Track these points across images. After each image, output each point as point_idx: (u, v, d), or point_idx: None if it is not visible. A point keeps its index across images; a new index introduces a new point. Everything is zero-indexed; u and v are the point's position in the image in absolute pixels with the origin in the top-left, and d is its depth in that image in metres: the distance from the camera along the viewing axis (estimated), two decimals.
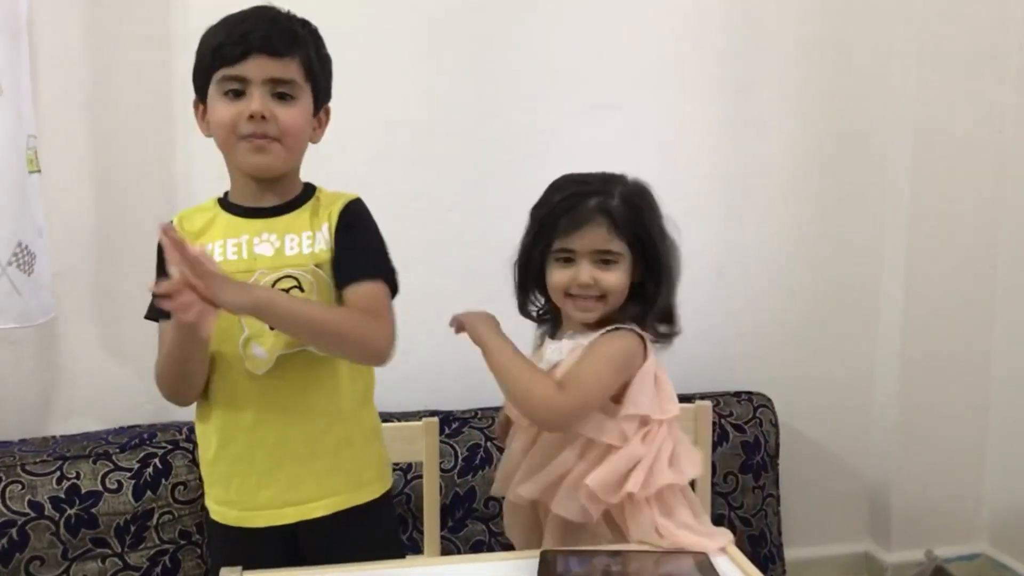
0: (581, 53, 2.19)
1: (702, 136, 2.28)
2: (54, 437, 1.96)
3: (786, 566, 2.23)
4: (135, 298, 2.05)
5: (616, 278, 1.29)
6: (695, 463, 1.30)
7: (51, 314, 1.87)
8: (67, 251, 1.98)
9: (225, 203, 1.30)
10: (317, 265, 1.24)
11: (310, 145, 1.31)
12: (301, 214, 1.27)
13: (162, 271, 1.18)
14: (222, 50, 1.22)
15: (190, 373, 1.23)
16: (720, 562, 1.20)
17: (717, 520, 2.08)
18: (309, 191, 1.31)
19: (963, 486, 2.44)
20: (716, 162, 2.29)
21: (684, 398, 1.75)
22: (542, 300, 1.38)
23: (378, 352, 1.22)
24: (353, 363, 1.28)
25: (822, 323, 2.39)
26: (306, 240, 1.25)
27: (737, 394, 2.22)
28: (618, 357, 1.27)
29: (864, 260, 2.39)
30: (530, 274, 1.34)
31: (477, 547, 1.93)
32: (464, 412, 2.04)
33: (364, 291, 1.23)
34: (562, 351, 1.31)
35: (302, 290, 1.23)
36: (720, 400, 2.16)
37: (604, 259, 1.28)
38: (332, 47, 1.33)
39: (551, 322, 1.39)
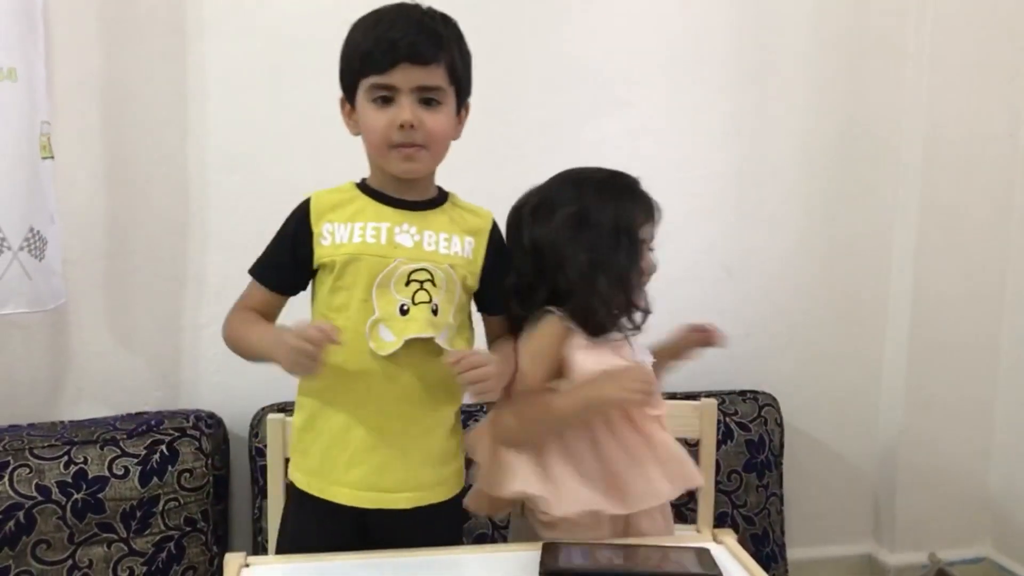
0: (593, 49, 2.19)
1: (712, 133, 2.28)
2: (62, 422, 1.97)
3: (788, 566, 2.23)
4: (146, 286, 2.09)
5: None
6: None
7: (61, 299, 1.88)
8: (79, 238, 1.99)
9: (365, 188, 1.32)
10: (451, 265, 1.29)
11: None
12: (439, 215, 1.32)
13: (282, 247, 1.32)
14: (371, 57, 1.24)
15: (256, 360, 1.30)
16: (719, 554, 1.21)
17: (720, 518, 2.09)
18: (443, 194, 1.36)
19: (968, 489, 2.44)
20: (726, 159, 2.29)
21: (689, 396, 1.78)
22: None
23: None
24: None
25: (830, 322, 2.39)
26: (443, 240, 1.29)
27: (742, 393, 2.22)
28: None
29: (872, 259, 2.38)
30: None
31: (480, 539, 1.93)
32: (470, 405, 2.04)
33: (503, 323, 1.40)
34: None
35: (434, 284, 1.26)
36: (725, 398, 2.16)
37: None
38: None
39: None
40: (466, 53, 1.34)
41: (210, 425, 1.95)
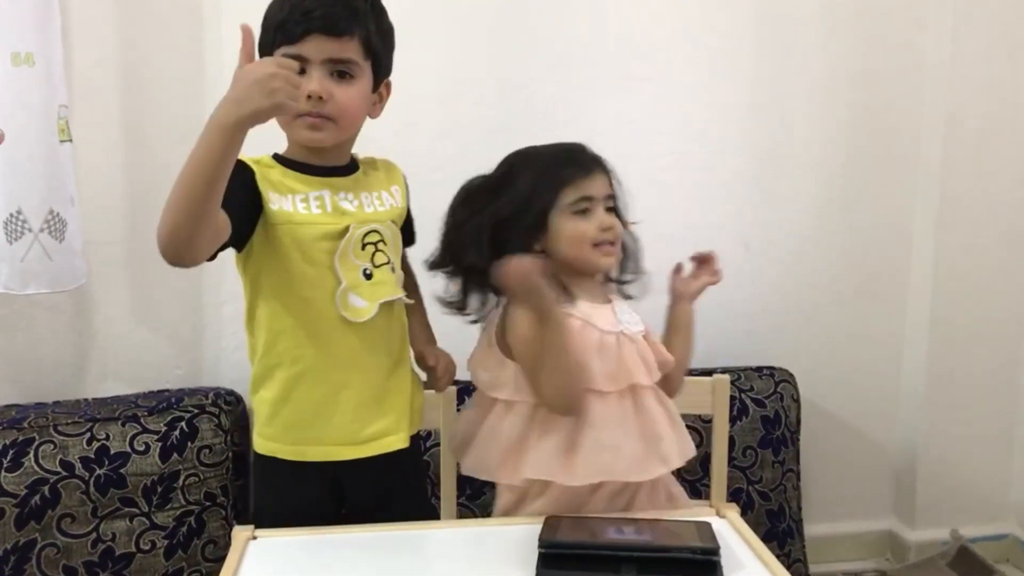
0: (609, 25, 2.17)
1: (730, 109, 2.25)
2: (86, 400, 2.02)
3: (806, 542, 2.23)
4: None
5: (620, 226, 1.35)
6: None
7: (82, 280, 1.92)
8: (99, 219, 2.03)
9: (283, 160, 1.33)
10: (392, 221, 1.35)
11: None
12: (365, 175, 1.36)
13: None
14: (284, 27, 1.25)
15: (207, 213, 1.11)
16: (721, 528, 1.21)
17: (735, 494, 2.09)
18: (356, 159, 1.39)
19: (991, 464, 2.41)
20: (744, 135, 2.27)
21: (705, 372, 1.77)
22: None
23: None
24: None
25: (849, 299, 2.37)
26: (376, 198, 1.34)
27: (758, 369, 2.21)
28: None
29: (893, 235, 2.35)
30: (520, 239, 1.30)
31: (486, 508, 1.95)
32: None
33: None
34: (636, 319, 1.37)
35: (386, 243, 1.32)
36: (741, 375, 2.16)
37: (609, 207, 1.34)
38: None
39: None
40: (386, 29, 1.33)
41: (229, 402, 1.99)
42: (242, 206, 1.22)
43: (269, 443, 1.36)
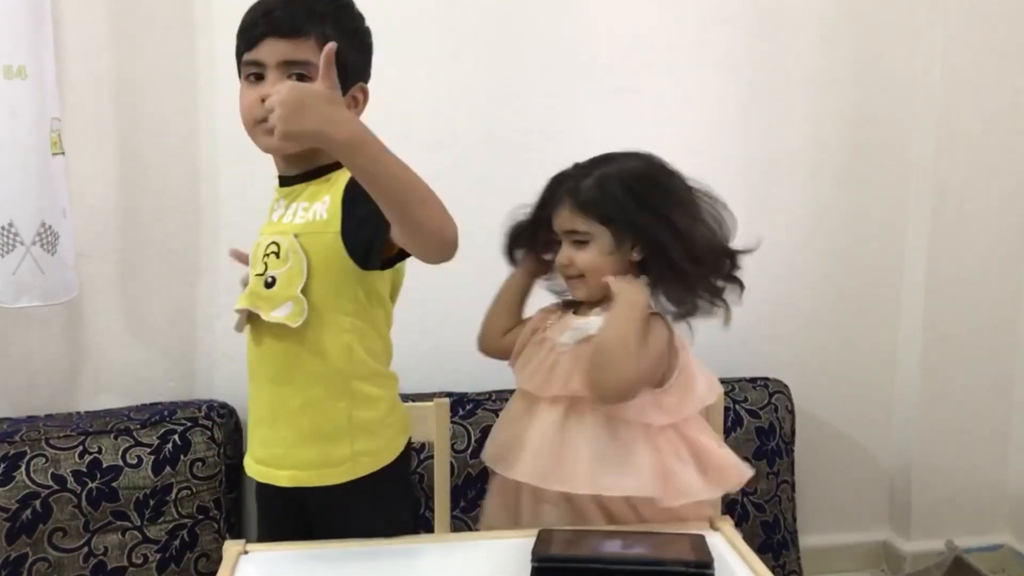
0: (601, 35, 2.18)
1: (722, 120, 2.26)
2: (78, 413, 2.01)
3: (801, 553, 2.22)
4: (159, 278, 2.11)
5: (587, 257, 1.35)
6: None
7: (74, 293, 1.92)
8: (92, 232, 2.03)
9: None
10: (296, 234, 1.21)
11: None
12: (316, 185, 1.24)
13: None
14: (244, 32, 1.23)
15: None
16: (715, 541, 1.21)
17: (729, 505, 2.08)
18: (335, 165, 1.26)
19: (985, 475, 2.41)
20: (736, 147, 2.27)
21: None
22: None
23: (451, 237, 1.10)
24: (342, 335, 1.23)
25: (842, 310, 2.37)
26: (302, 210, 1.23)
27: (753, 380, 2.21)
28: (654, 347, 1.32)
29: (886, 246, 2.36)
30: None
31: None
32: (479, 394, 2.06)
33: None
34: (589, 327, 1.35)
35: (278, 256, 1.22)
36: (735, 386, 2.15)
37: (575, 239, 1.35)
38: None
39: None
40: (351, 31, 1.26)
41: (222, 415, 1.98)
42: None
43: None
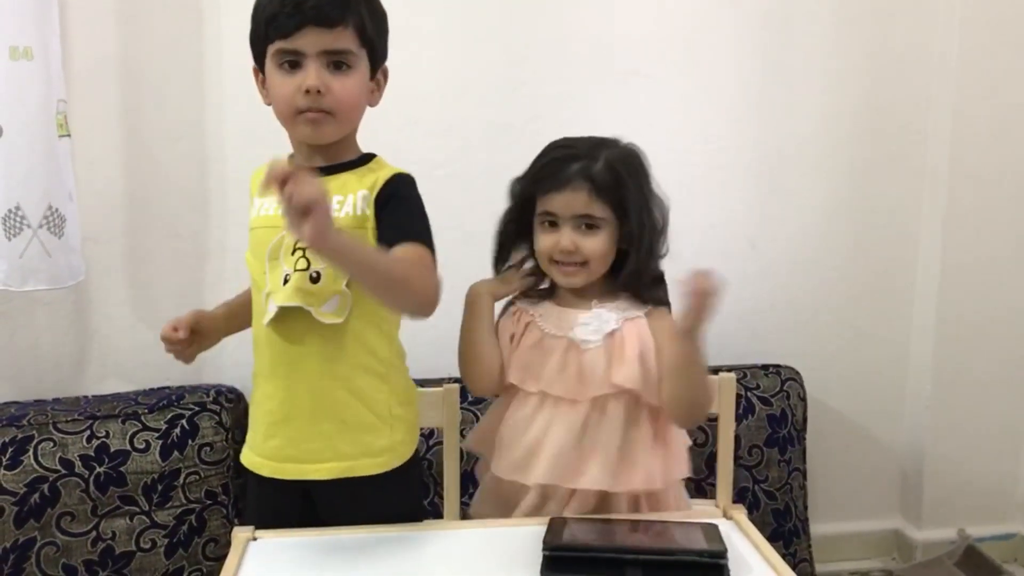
0: (611, 20, 2.15)
1: (736, 107, 2.23)
2: (86, 397, 2.01)
3: (812, 541, 2.21)
4: (166, 262, 2.10)
5: (598, 244, 1.30)
6: None
7: (80, 276, 1.91)
8: (99, 215, 2.02)
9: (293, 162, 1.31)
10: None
11: None
12: (341, 178, 1.26)
13: None
14: (276, 21, 1.21)
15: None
16: (728, 530, 1.19)
17: (741, 493, 2.07)
18: (366, 159, 1.31)
19: (998, 463, 2.39)
20: (749, 132, 2.24)
21: (711, 370, 1.75)
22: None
23: (430, 301, 1.19)
24: (382, 324, 1.28)
25: (856, 297, 2.34)
26: (335, 203, 1.23)
27: (764, 367, 2.19)
28: None
29: (900, 233, 2.33)
30: (512, 238, 1.38)
31: None
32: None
33: (410, 249, 1.21)
34: (608, 321, 1.32)
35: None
36: (747, 373, 2.14)
37: (587, 223, 1.30)
38: None
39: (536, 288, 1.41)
40: (379, 15, 1.28)
41: (230, 400, 1.97)
42: None
43: (244, 448, 1.35)
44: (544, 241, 1.32)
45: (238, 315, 1.39)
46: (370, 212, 1.23)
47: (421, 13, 2.05)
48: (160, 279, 2.08)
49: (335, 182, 1.24)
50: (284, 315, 1.22)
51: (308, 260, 1.22)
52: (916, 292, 2.36)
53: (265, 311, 1.24)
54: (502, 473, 1.35)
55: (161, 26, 2.00)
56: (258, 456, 1.30)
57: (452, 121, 2.12)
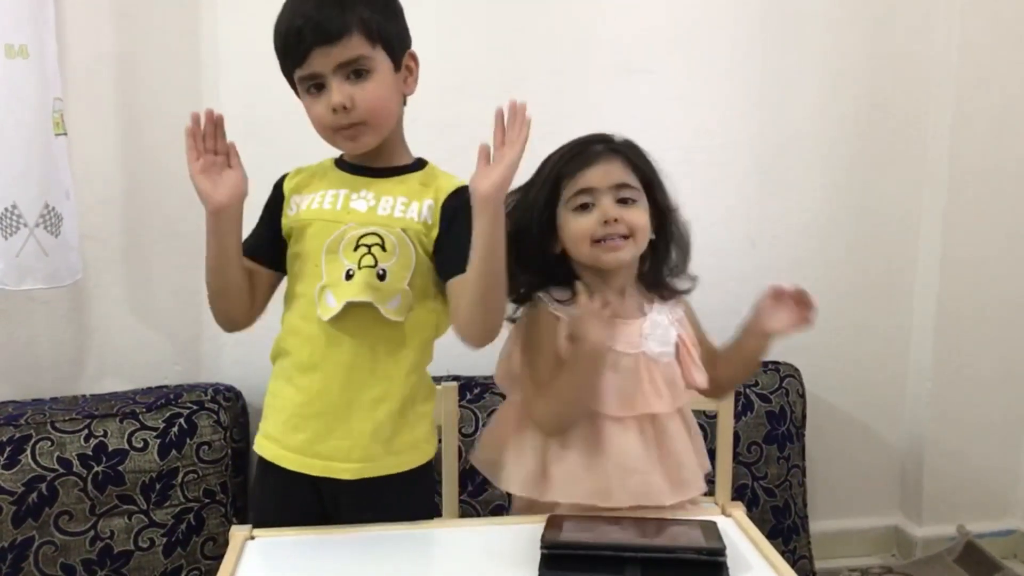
0: (613, 16, 2.15)
1: (736, 103, 2.23)
2: (83, 396, 2.00)
3: (812, 538, 2.20)
4: (164, 260, 2.10)
5: (639, 215, 1.27)
6: None
7: (78, 275, 1.90)
8: (96, 213, 2.01)
9: (339, 161, 1.33)
10: (403, 229, 1.24)
11: None
12: (406, 181, 1.28)
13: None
14: (288, 52, 1.23)
15: (228, 289, 1.29)
16: (726, 527, 1.19)
17: (740, 490, 2.07)
18: (420, 164, 1.32)
19: (998, 460, 2.39)
20: (750, 130, 2.24)
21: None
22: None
23: (499, 326, 1.22)
24: (439, 327, 1.31)
25: (855, 293, 2.34)
26: (400, 204, 1.25)
27: (764, 363, 2.18)
28: None
29: (900, 230, 2.33)
30: (537, 239, 1.30)
31: (497, 511, 1.93)
32: (486, 378, 2.04)
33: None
34: (666, 326, 1.30)
35: (384, 249, 1.23)
36: None
37: (623, 197, 1.26)
38: None
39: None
40: (382, 6, 1.26)
41: (228, 398, 1.97)
42: (272, 239, 1.31)
43: (259, 437, 1.34)
44: (581, 223, 1.26)
45: (236, 265, 1.30)
46: (433, 221, 1.25)
47: (419, 9, 2.04)
48: (158, 277, 2.07)
49: (401, 186, 1.27)
50: (346, 310, 1.22)
51: (374, 257, 1.23)
52: (916, 289, 2.36)
53: (319, 304, 1.24)
54: (579, 499, 1.26)
55: (157, 22, 1.99)
56: (282, 449, 1.29)
57: (451, 118, 2.10)
